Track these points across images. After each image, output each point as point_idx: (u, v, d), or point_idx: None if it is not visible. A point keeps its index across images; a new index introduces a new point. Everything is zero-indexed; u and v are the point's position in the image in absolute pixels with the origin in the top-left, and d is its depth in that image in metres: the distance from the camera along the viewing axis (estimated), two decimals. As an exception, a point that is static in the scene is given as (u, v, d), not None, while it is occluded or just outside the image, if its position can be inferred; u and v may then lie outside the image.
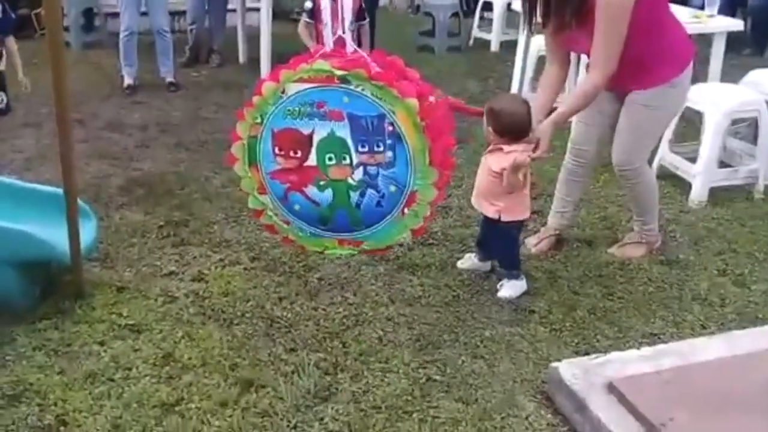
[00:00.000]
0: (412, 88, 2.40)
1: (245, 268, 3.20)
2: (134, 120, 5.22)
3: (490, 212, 2.92)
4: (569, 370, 2.40)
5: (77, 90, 5.66)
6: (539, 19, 2.89)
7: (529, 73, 5.32)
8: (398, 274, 3.17)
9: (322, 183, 2.55)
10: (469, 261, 3.19)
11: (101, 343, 2.67)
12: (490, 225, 3.00)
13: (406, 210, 2.51)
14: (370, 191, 2.51)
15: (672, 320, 2.88)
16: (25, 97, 4.70)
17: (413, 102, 2.37)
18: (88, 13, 7.40)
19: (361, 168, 2.49)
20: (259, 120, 2.55)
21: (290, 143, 2.53)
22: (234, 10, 7.04)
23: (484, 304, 2.95)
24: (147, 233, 3.50)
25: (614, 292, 3.05)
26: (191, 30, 6.72)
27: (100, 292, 2.98)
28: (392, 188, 2.48)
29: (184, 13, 7.09)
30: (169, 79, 6.02)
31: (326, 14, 4.63)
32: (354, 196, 2.53)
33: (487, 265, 3.15)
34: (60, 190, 2.82)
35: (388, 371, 2.55)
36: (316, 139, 2.49)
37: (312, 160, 2.52)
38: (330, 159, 2.50)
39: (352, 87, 2.40)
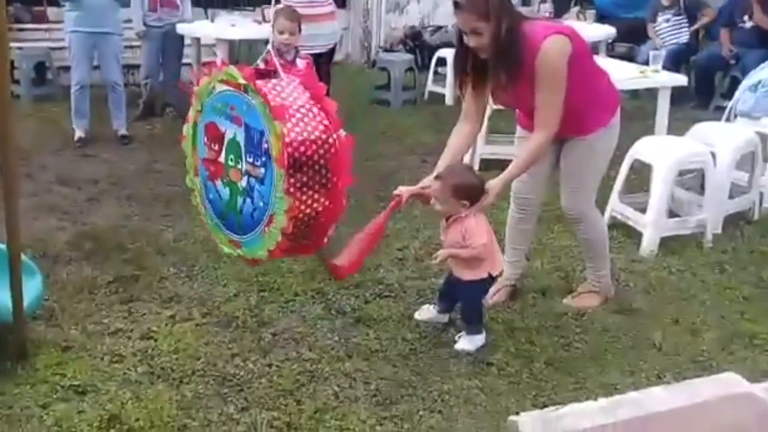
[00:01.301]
0: (284, 113, 2.43)
1: (197, 324, 3.12)
2: (85, 173, 5.13)
3: (482, 275, 2.92)
4: (528, 423, 2.34)
5: (26, 143, 5.57)
6: (469, 83, 2.97)
7: (484, 124, 5.40)
8: (355, 328, 3.12)
9: (225, 180, 2.67)
10: (427, 312, 3.16)
11: (43, 406, 2.56)
12: (459, 283, 2.99)
13: (266, 228, 2.56)
14: (248, 200, 2.59)
15: (628, 370, 2.88)
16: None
17: (279, 126, 2.41)
18: (40, 67, 7.33)
19: (246, 176, 2.57)
20: (199, 108, 2.71)
21: (212, 137, 2.67)
22: (189, 64, 7.05)
23: (441, 357, 2.92)
24: (95, 289, 3.40)
25: (571, 343, 3.05)
26: (145, 84, 6.70)
27: (44, 351, 2.87)
28: (261, 203, 2.55)
29: (137, 66, 7.06)
30: (122, 131, 5.96)
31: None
32: (239, 200, 2.63)
33: (445, 317, 3.13)
34: (3, 246, 2.73)
35: (344, 429, 2.48)
36: (226, 138, 2.61)
37: (222, 157, 2.65)
38: (231, 160, 2.62)
39: (249, 97, 2.48)
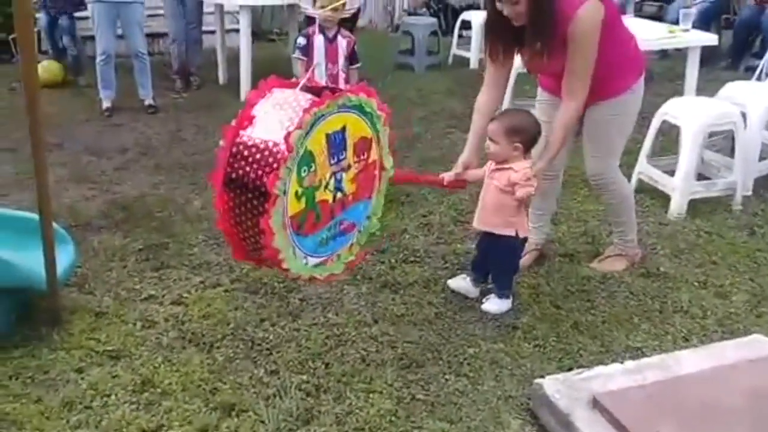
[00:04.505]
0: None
1: (226, 290, 3.17)
2: (113, 143, 5.19)
3: (506, 230, 2.90)
4: (553, 385, 2.39)
5: (56, 113, 5.64)
6: (500, 56, 2.94)
7: (509, 89, 5.34)
8: (381, 293, 3.15)
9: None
10: (460, 281, 3.14)
11: (79, 370, 2.62)
12: (491, 242, 2.98)
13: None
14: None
15: (654, 333, 2.88)
16: (1, 122, 4.67)
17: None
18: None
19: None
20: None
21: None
22: (213, 32, 7.05)
23: (467, 322, 2.94)
24: (126, 257, 3.46)
25: (596, 306, 3.05)
26: (172, 49, 6.69)
27: (78, 317, 2.93)
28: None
29: (162, 35, 7.08)
30: (148, 101, 6.01)
31: (320, 54, 4.31)
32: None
33: (475, 291, 3.10)
34: (36, 215, 2.78)
35: (371, 392, 2.52)
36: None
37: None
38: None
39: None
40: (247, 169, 2.20)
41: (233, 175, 2.22)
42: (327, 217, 2.43)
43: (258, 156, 2.19)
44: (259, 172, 2.18)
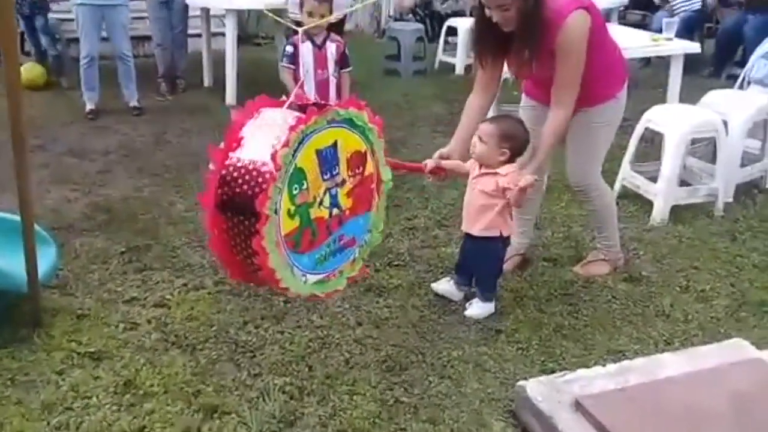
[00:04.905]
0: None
1: (209, 293, 3.16)
2: (97, 145, 5.16)
3: (489, 232, 2.91)
4: (536, 388, 2.39)
5: (39, 115, 5.60)
6: (489, 61, 2.96)
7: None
8: (365, 296, 3.14)
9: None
10: (444, 285, 3.15)
11: (60, 372, 2.60)
12: (475, 246, 2.99)
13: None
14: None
15: (636, 337, 2.90)
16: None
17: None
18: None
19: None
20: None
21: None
22: (199, 35, 7.03)
23: (451, 325, 2.94)
24: (109, 259, 3.44)
25: (579, 310, 3.06)
26: (157, 52, 6.65)
27: (60, 319, 2.91)
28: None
29: (147, 38, 7.04)
30: (133, 103, 5.98)
31: (308, 61, 4.15)
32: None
33: (460, 294, 3.11)
34: (17, 217, 2.76)
35: (354, 394, 2.52)
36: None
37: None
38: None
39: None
40: (237, 191, 2.17)
41: (224, 197, 2.20)
42: (324, 233, 2.38)
43: (247, 177, 2.17)
44: (249, 193, 2.15)
